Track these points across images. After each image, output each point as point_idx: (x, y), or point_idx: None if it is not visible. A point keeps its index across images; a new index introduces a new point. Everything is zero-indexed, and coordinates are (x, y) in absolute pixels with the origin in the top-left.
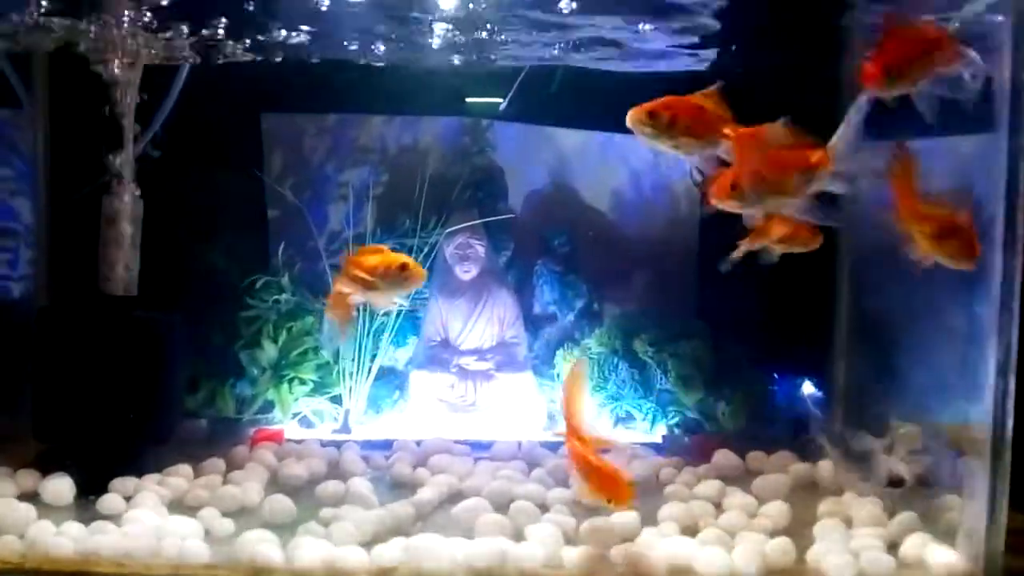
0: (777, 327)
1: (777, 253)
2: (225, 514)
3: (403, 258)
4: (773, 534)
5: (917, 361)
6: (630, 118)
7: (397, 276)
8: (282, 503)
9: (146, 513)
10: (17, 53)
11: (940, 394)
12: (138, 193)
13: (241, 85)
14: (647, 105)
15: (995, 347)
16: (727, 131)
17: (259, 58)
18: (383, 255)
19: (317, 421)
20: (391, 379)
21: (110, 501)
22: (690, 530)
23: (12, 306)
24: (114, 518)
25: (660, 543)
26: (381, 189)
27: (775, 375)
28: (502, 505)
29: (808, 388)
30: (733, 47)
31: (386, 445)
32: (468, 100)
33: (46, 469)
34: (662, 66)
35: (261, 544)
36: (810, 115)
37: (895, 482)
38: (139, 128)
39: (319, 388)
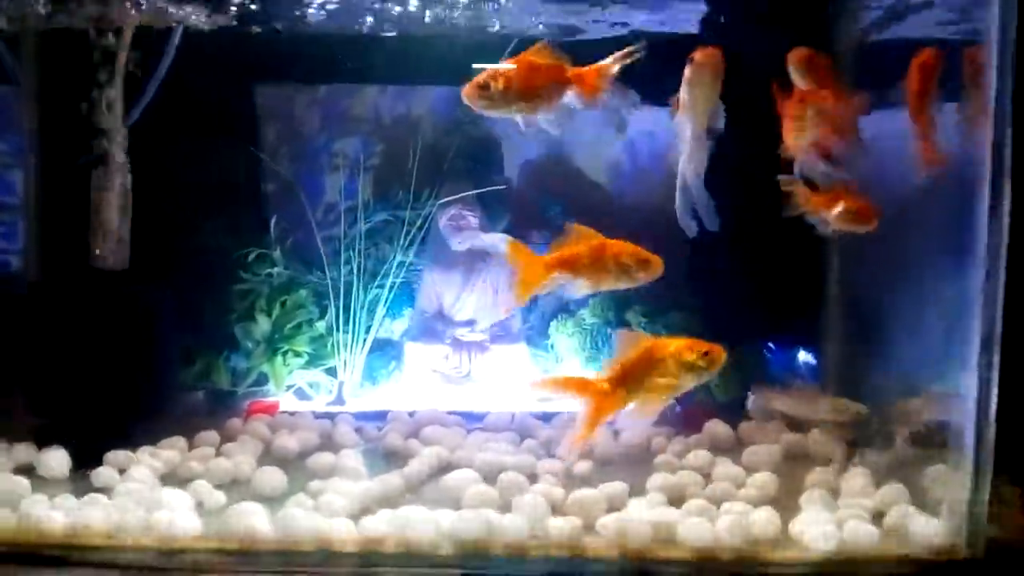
0: (768, 299)
1: (833, 228)
2: (217, 486)
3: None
4: (759, 504)
5: (905, 333)
6: (465, 97)
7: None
8: (272, 475)
9: (138, 486)
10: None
11: (927, 366)
12: (128, 166)
13: (233, 56)
14: (477, 78)
15: (980, 320)
16: (569, 75)
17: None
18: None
19: (312, 393)
20: (386, 351)
21: (104, 474)
22: (677, 501)
23: (7, 280)
24: (107, 491)
25: (646, 513)
26: (375, 160)
27: (767, 346)
28: (492, 476)
29: (800, 358)
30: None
31: (380, 417)
32: (462, 69)
33: (42, 443)
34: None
35: (250, 516)
36: None
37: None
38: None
39: (314, 360)
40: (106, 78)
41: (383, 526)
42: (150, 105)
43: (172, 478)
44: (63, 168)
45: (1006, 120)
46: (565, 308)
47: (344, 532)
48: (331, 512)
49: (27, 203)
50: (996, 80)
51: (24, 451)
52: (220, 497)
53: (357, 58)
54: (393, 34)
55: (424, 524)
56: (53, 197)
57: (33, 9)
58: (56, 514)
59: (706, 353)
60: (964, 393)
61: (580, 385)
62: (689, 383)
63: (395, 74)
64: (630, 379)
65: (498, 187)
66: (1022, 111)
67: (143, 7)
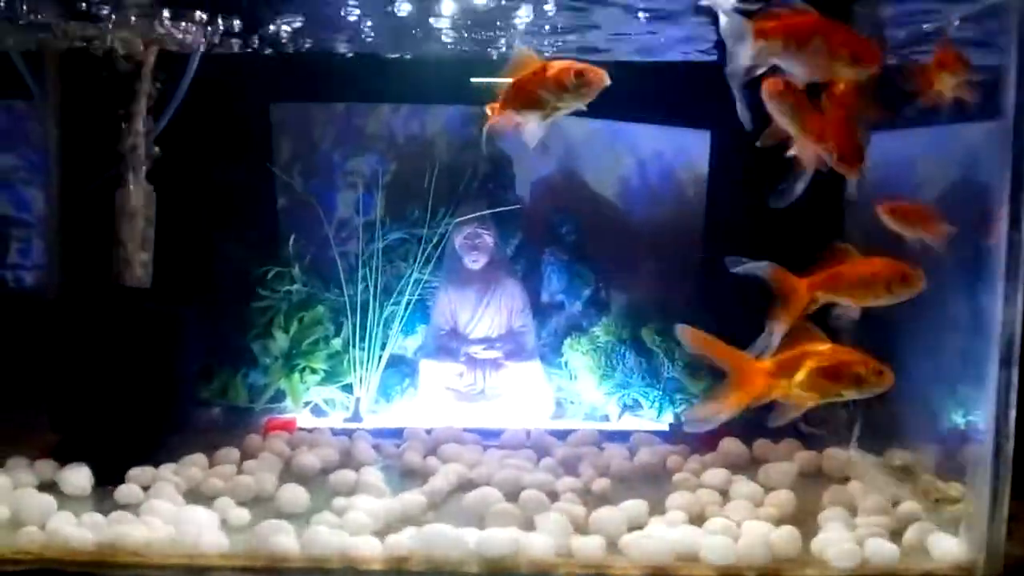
0: None
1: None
2: (240, 503)
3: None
4: (779, 523)
5: (919, 351)
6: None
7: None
8: (296, 492)
9: (163, 503)
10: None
11: (942, 385)
12: (151, 186)
13: (250, 76)
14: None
15: (998, 339)
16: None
17: (269, 50)
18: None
19: (329, 410)
20: (401, 368)
21: (127, 491)
22: (697, 519)
23: (28, 297)
24: (132, 508)
25: (668, 533)
26: (390, 179)
27: None
28: (512, 494)
29: None
30: None
31: (396, 433)
32: (476, 89)
33: (63, 460)
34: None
35: (278, 534)
36: None
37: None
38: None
39: (330, 377)
40: (130, 97)
41: (409, 543)
42: (171, 124)
43: (195, 495)
44: (86, 185)
45: None
46: (578, 326)
47: (371, 550)
48: (356, 529)
49: (50, 220)
50: (1015, 92)
51: (46, 467)
52: (244, 514)
53: (374, 78)
54: (409, 56)
55: (450, 542)
56: (76, 214)
57: (57, 25)
58: (84, 531)
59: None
60: (982, 410)
61: (740, 361)
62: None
63: (411, 94)
64: (792, 371)
65: (513, 207)
66: None
67: (167, 30)
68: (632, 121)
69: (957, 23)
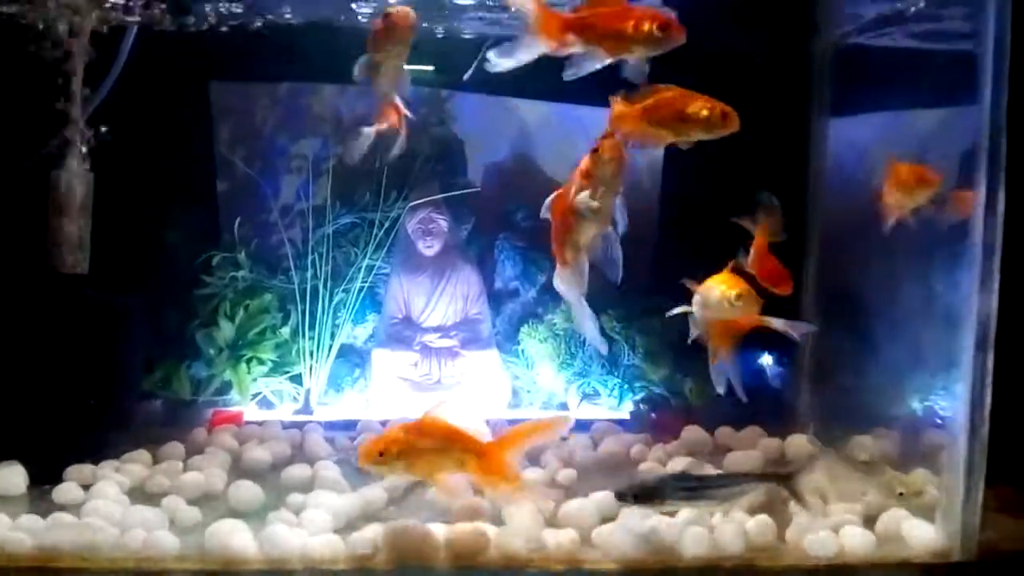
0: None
1: None
2: (189, 501)
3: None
4: (751, 511)
5: (891, 337)
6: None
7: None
8: (249, 489)
9: (106, 503)
10: None
11: (916, 370)
12: (87, 166)
13: (189, 53)
14: None
15: (973, 323)
16: None
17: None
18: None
19: (277, 402)
20: (351, 358)
21: (66, 490)
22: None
23: None
24: (72, 509)
25: (641, 524)
26: (338, 161)
27: (743, 350)
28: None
29: (773, 362)
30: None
31: (349, 426)
32: (427, 70)
33: None
34: None
35: (234, 534)
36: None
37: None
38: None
39: (278, 368)
40: (64, 73)
41: (373, 541)
42: (108, 104)
43: (140, 494)
44: (18, 168)
45: (1000, 124)
46: (535, 313)
47: (333, 549)
48: (316, 528)
49: None
50: (991, 84)
51: None
52: (194, 513)
53: (321, 55)
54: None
55: (417, 538)
56: (7, 199)
57: None
58: (20, 535)
59: None
60: (957, 395)
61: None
62: None
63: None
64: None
65: (469, 190)
66: (1016, 113)
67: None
68: (587, 104)
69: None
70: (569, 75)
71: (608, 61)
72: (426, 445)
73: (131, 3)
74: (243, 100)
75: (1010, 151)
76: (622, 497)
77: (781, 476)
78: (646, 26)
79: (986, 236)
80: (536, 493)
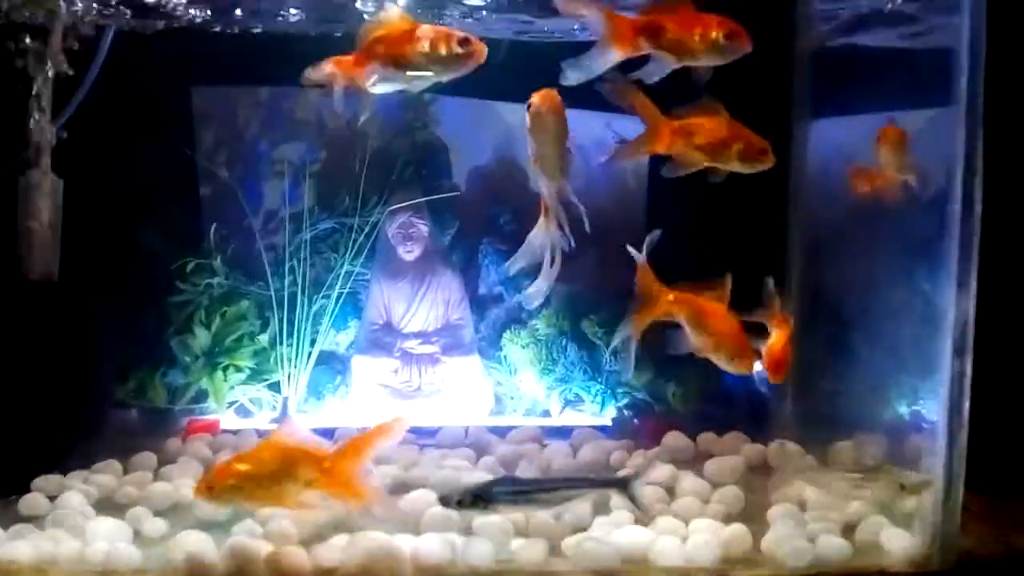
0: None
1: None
2: (156, 513)
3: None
4: (727, 520)
5: (872, 340)
6: None
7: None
8: None
9: (70, 514)
10: None
11: (897, 375)
12: (58, 175)
13: (169, 56)
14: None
15: (951, 326)
16: None
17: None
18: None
19: (255, 410)
20: (332, 365)
21: (32, 501)
22: (643, 518)
23: None
24: (36, 520)
25: (613, 534)
26: (318, 166)
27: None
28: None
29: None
30: None
31: (327, 434)
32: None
33: None
34: None
35: (195, 546)
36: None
37: None
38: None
39: (256, 375)
40: (34, 78)
41: (340, 554)
42: (83, 107)
43: (107, 505)
44: None
45: (977, 126)
46: (518, 318)
47: (298, 561)
48: (283, 539)
49: None
50: (967, 87)
51: None
52: (160, 525)
53: (299, 59)
54: (339, 34)
55: (383, 550)
56: None
57: None
58: None
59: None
60: (935, 400)
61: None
62: None
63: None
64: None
65: (450, 194)
66: (993, 116)
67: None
68: (570, 107)
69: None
70: (640, 75)
71: (675, 66)
72: (265, 471)
73: (103, 7)
74: (221, 104)
75: (989, 155)
76: (446, 502)
77: (618, 481)
78: (714, 34)
79: (963, 239)
80: (383, 502)
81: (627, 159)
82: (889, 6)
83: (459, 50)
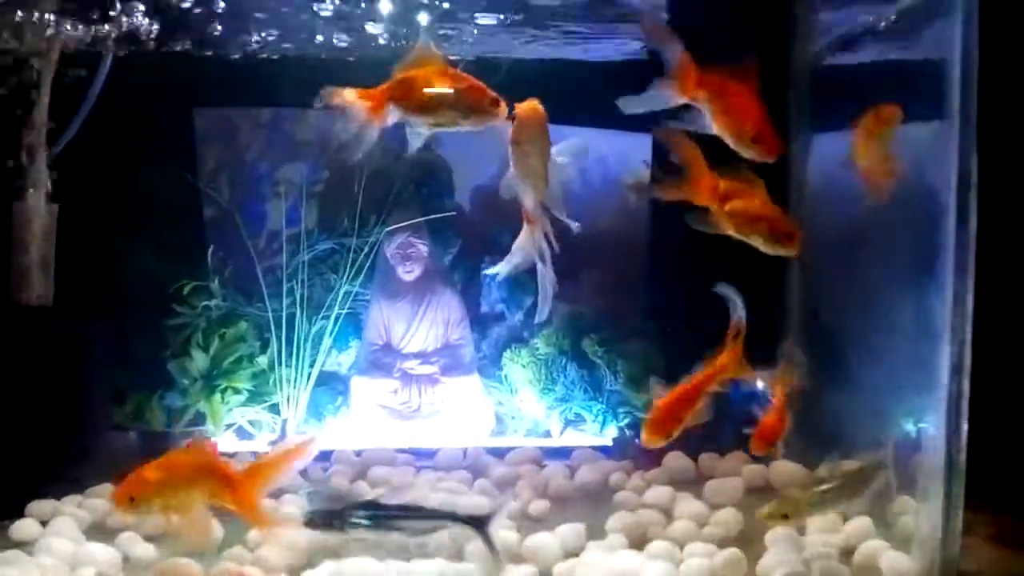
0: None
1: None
2: (147, 538)
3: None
4: (724, 544)
5: (870, 361)
6: None
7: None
8: (207, 525)
9: (60, 540)
10: None
11: (897, 394)
12: (52, 201)
13: (170, 79)
14: None
15: (949, 347)
16: None
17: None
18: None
19: (254, 432)
20: (333, 386)
21: (23, 527)
22: (638, 541)
23: None
24: (27, 546)
25: (605, 559)
26: (318, 186)
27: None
28: None
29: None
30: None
31: (325, 456)
32: None
33: None
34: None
35: (182, 573)
36: None
37: None
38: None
39: (255, 397)
40: (31, 103)
41: None
42: (80, 130)
43: (100, 529)
44: None
45: (971, 140)
46: (519, 337)
47: None
48: (269, 567)
49: None
50: (960, 100)
51: None
52: (149, 551)
53: (301, 81)
54: (351, 59)
55: None
56: None
57: None
58: None
59: None
60: (934, 420)
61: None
62: None
63: None
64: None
65: (447, 214)
66: (987, 132)
67: (71, 28)
68: (573, 124)
69: (893, 18)
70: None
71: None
72: (178, 480)
73: (98, 32)
74: (218, 126)
75: (984, 171)
76: (308, 522)
77: (475, 519)
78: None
79: (959, 249)
80: (282, 525)
81: (658, 195)
82: (883, 24)
83: (488, 109)
